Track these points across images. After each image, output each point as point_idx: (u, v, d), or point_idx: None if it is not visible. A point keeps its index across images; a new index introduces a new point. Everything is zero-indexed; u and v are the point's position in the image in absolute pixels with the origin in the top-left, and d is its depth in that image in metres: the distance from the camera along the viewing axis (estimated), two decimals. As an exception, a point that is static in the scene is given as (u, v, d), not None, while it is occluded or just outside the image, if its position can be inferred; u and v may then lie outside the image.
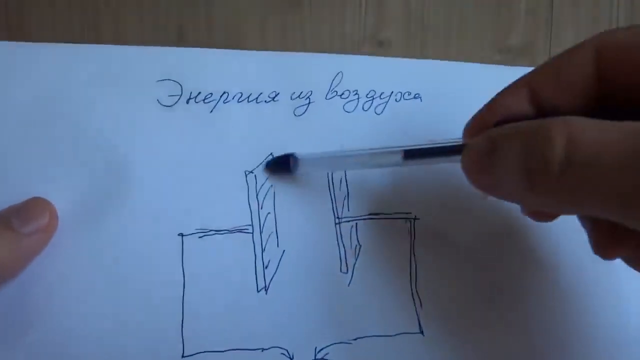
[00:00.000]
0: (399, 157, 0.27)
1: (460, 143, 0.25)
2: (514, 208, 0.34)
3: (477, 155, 0.23)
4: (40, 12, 0.31)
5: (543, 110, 0.24)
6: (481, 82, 0.35)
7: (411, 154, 0.27)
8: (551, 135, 0.19)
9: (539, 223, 0.33)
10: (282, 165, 0.31)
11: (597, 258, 0.25)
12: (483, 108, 0.26)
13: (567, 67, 0.23)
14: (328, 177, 0.32)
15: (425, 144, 0.27)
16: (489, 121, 0.25)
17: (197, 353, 0.28)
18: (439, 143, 0.26)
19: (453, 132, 0.34)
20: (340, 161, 0.30)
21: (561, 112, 0.21)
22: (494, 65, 0.36)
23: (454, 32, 0.36)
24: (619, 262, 0.25)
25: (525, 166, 0.20)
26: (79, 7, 0.31)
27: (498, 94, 0.26)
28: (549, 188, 0.20)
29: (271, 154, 0.31)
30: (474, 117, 0.26)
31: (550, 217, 0.28)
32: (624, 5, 0.38)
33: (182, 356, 0.28)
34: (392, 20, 0.35)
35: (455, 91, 0.35)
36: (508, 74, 0.36)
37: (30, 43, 0.30)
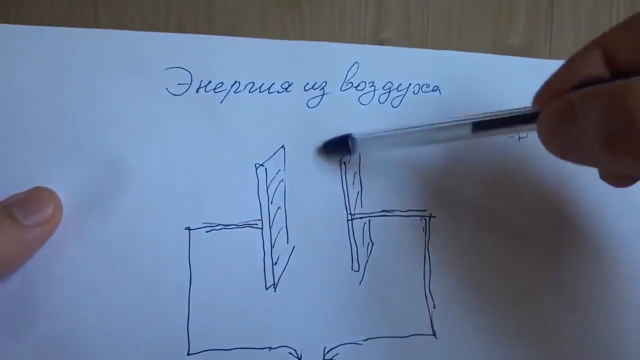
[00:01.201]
0: (467, 130, 0.26)
1: (533, 111, 0.24)
2: (535, 208, 0.32)
3: (555, 119, 0.22)
4: (40, 4, 0.30)
5: (619, 73, 0.23)
6: (505, 76, 0.34)
7: (481, 125, 0.26)
8: (634, 94, 0.18)
9: (559, 224, 0.33)
10: (340, 147, 0.30)
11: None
12: (555, 74, 0.25)
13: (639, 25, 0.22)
14: (341, 171, 0.31)
15: (495, 114, 0.25)
16: (564, 87, 0.23)
17: (202, 351, 0.28)
18: (510, 112, 0.25)
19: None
20: (402, 138, 0.28)
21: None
22: (519, 58, 0.35)
23: (453, 32, 0.35)
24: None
25: (605, 127, 0.19)
26: None
27: (570, 59, 0.24)
28: (629, 149, 0.19)
29: (282, 146, 0.30)
30: (546, 84, 0.25)
31: (629, 181, 0.26)
32: (624, 5, 0.38)
33: (188, 354, 0.28)
34: (392, 20, 0.34)
35: (477, 84, 0.33)
36: (534, 67, 0.35)
37: (33, 26, 0.29)
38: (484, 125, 0.26)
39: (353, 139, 0.29)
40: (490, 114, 0.26)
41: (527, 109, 0.25)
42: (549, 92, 0.24)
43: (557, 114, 0.22)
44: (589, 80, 0.22)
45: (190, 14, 0.31)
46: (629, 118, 0.18)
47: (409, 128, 0.28)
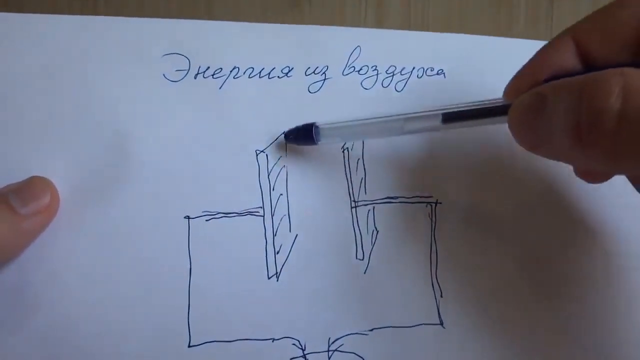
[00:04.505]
0: (437, 121, 0.25)
1: (505, 102, 0.24)
2: (542, 194, 0.32)
3: (525, 112, 0.22)
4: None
5: (592, 66, 0.22)
6: (509, 58, 0.33)
7: (451, 117, 0.25)
8: (604, 87, 0.18)
9: (566, 207, 0.32)
10: (304, 136, 0.29)
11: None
12: (526, 65, 0.24)
13: (615, 18, 0.22)
14: (344, 157, 0.30)
15: (466, 105, 0.25)
16: (536, 79, 0.23)
17: (203, 343, 0.27)
18: (481, 103, 0.25)
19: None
20: (369, 128, 0.28)
21: (612, 67, 0.19)
22: (524, 40, 0.34)
23: (454, 32, 0.34)
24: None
25: (573, 120, 0.19)
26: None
27: (541, 50, 0.24)
28: (599, 143, 0.19)
29: (284, 132, 0.30)
30: (518, 75, 0.24)
31: (604, 177, 0.27)
32: (624, 6, 0.37)
33: (189, 346, 0.27)
34: (392, 20, 0.34)
35: (482, 67, 0.33)
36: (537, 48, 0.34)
37: (32, 14, 0.29)
38: (455, 116, 0.25)
39: (317, 128, 0.28)
40: (461, 105, 0.25)
41: (498, 100, 0.25)
42: (520, 84, 0.24)
43: (527, 107, 0.22)
44: (561, 73, 0.22)
45: (191, 14, 0.31)
46: (596, 110, 0.18)
47: (375, 118, 0.27)
